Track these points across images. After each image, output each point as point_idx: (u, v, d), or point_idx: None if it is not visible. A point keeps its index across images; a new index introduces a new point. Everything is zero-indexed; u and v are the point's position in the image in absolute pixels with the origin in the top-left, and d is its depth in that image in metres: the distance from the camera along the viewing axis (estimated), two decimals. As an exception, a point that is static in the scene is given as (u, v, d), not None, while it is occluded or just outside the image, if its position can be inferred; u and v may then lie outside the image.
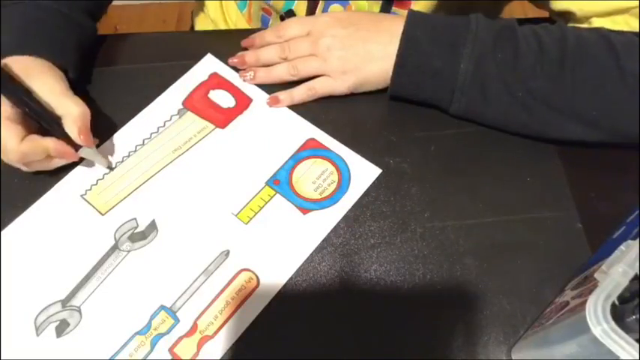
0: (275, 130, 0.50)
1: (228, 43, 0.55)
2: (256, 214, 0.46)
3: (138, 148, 0.49)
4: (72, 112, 0.44)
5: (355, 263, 0.44)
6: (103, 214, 0.45)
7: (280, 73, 0.51)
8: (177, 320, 0.42)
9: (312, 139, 0.50)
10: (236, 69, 0.53)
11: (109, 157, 0.48)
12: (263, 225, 0.46)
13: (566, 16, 0.51)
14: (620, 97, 0.44)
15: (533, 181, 0.48)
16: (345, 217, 0.46)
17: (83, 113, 0.45)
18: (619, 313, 0.29)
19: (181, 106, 0.51)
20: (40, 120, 0.44)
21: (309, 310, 0.42)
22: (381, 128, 0.51)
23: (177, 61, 0.54)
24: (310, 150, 0.49)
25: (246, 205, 0.46)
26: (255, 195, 0.47)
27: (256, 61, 0.52)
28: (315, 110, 0.51)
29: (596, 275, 0.31)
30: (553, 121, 0.46)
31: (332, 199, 0.47)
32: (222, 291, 0.43)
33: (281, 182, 0.47)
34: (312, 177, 0.48)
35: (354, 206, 0.47)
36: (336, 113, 0.52)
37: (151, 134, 0.49)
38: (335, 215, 0.46)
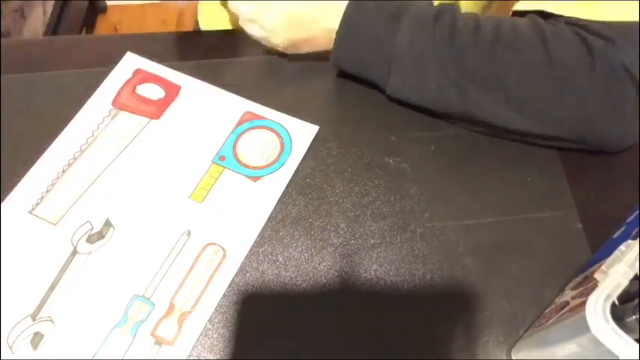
0: (210, 110, 0.52)
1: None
2: (209, 191, 0.47)
3: (77, 155, 0.49)
4: None
5: (355, 263, 0.44)
6: (55, 225, 0.46)
7: None
8: (152, 305, 0.42)
9: (248, 112, 0.52)
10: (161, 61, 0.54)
11: (50, 166, 0.48)
12: (218, 200, 0.47)
13: None
14: (547, 85, 0.44)
15: (533, 181, 0.48)
16: (345, 217, 0.46)
17: None
18: (619, 313, 0.29)
19: (111, 107, 0.52)
20: None
21: (309, 310, 0.42)
22: (381, 128, 0.51)
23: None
24: (248, 122, 0.51)
25: (197, 185, 0.48)
26: (204, 174, 0.48)
27: None
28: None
29: (596, 275, 0.31)
30: (483, 102, 0.46)
31: (278, 162, 0.49)
32: (191, 268, 0.44)
33: (226, 157, 0.49)
34: (255, 146, 0.50)
35: (353, 206, 0.47)
36: (337, 113, 0.52)
37: (87, 139, 0.50)
38: (284, 176, 0.48)
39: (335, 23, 0.48)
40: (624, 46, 0.42)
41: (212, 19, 0.73)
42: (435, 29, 0.45)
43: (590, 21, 0.44)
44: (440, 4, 0.47)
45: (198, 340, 0.41)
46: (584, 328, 0.29)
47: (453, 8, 0.47)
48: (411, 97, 0.49)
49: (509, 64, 0.44)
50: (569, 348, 0.32)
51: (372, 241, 0.45)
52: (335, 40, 0.48)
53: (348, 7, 0.47)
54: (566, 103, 0.44)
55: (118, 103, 0.52)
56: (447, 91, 0.46)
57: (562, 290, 0.42)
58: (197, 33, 0.56)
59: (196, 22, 0.79)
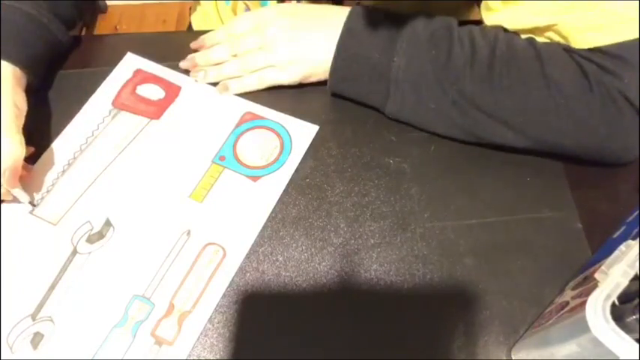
0: (210, 110, 0.52)
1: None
2: (209, 191, 0.47)
3: (77, 155, 0.49)
4: (3, 150, 0.43)
5: (355, 263, 0.44)
6: (55, 225, 0.46)
7: (231, 70, 0.52)
8: (152, 305, 0.42)
9: (248, 112, 0.52)
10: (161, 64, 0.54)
11: (50, 167, 0.48)
12: (218, 200, 0.47)
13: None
14: (544, 106, 0.44)
15: (533, 181, 0.48)
16: (345, 217, 0.46)
17: (15, 154, 0.43)
18: (619, 313, 0.29)
19: (111, 107, 0.52)
20: None
21: (309, 310, 0.42)
22: (381, 128, 0.51)
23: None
24: (248, 122, 0.51)
25: (197, 185, 0.48)
26: (204, 174, 0.48)
27: (206, 62, 0.53)
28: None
29: (596, 275, 0.31)
30: (484, 124, 0.46)
31: (278, 162, 0.49)
32: (191, 268, 0.44)
33: (226, 157, 0.49)
34: (256, 146, 0.50)
35: (353, 206, 0.47)
36: (337, 113, 0.52)
37: (87, 139, 0.50)
38: (284, 176, 0.48)
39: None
40: (617, 71, 0.42)
41: (205, 21, 0.73)
42: (431, 51, 0.45)
43: (580, 49, 0.44)
44: (433, 20, 0.47)
45: (198, 340, 0.41)
46: (584, 328, 0.29)
47: (450, 24, 0.47)
48: (411, 119, 0.49)
49: (508, 89, 0.44)
50: (569, 348, 0.32)
51: (372, 241, 0.45)
52: (331, 66, 0.48)
53: (341, 34, 0.47)
54: (565, 126, 0.44)
55: (118, 103, 0.52)
56: (447, 111, 0.46)
57: (562, 290, 0.42)
58: (197, 33, 0.56)
59: (189, 24, 0.79)
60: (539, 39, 0.47)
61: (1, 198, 0.45)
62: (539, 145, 0.46)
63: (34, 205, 0.46)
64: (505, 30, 0.48)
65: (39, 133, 0.50)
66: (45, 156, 0.49)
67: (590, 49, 0.44)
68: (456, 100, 0.45)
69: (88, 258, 0.44)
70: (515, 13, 0.46)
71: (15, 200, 0.46)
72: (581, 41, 0.44)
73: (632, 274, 0.30)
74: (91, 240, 0.45)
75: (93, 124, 0.51)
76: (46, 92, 0.53)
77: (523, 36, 0.48)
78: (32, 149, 0.48)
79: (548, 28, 0.45)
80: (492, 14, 0.49)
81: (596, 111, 0.43)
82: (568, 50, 0.45)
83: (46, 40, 0.50)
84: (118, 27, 1.57)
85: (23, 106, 0.47)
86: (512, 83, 0.44)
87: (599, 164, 0.47)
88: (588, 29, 0.43)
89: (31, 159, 0.48)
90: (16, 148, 0.43)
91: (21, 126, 0.45)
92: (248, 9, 0.64)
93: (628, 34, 0.42)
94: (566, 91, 0.43)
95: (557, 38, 0.46)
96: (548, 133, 0.45)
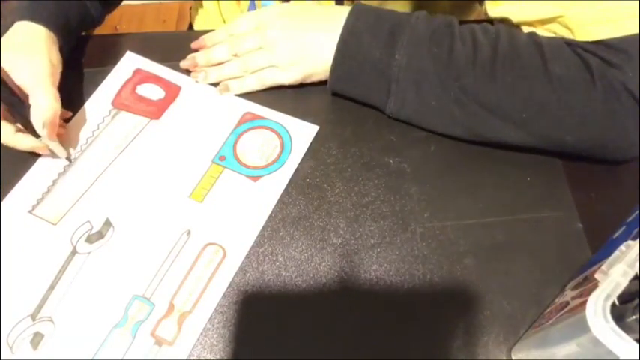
0: (210, 111, 0.52)
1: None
2: (209, 191, 0.47)
3: (77, 154, 0.49)
4: (42, 103, 0.45)
5: (355, 263, 0.44)
6: (55, 225, 0.46)
7: (232, 70, 0.53)
8: (152, 305, 0.42)
9: (248, 113, 0.52)
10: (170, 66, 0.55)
11: (50, 167, 0.48)
12: (218, 200, 0.47)
13: (503, 22, 0.51)
14: (547, 101, 0.43)
15: (533, 181, 0.48)
16: (345, 217, 0.46)
17: (53, 107, 0.45)
18: (619, 313, 0.29)
19: (111, 107, 0.52)
20: (6, 103, 0.44)
21: (309, 310, 0.42)
22: (381, 128, 0.51)
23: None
24: (248, 122, 0.51)
25: (197, 185, 0.48)
26: (204, 174, 0.48)
27: (207, 62, 0.54)
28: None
29: (596, 275, 0.31)
30: (486, 121, 0.46)
31: (278, 162, 0.49)
32: (191, 268, 0.44)
33: (226, 158, 0.49)
34: (256, 146, 0.50)
35: (353, 206, 0.47)
36: (337, 113, 0.52)
37: (87, 139, 0.50)
38: (284, 176, 0.48)
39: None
40: (621, 64, 0.42)
41: (207, 21, 0.73)
42: (433, 49, 0.45)
43: (584, 42, 0.44)
44: (434, 18, 0.47)
45: (198, 340, 0.41)
46: (584, 328, 0.29)
47: (451, 22, 0.47)
48: (412, 117, 0.49)
49: (511, 86, 0.44)
50: (569, 348, 0.32)
51: (372, 241, 0.45)
52: (331, 65, 0.48)
53: (342, 33, 0.47)
54: (567, 122, 0.44)
55: (118, 103, 0.52)
56: (449, 109, 0.46)
57: (562, 290, 0.42)
58: (198, 33, 0.56)
59: (189, 23, 0.79)
60: (543, 31, 0.47)
61: (39, 152, 0.47)
62: (541, 142, 0.46)
63: (70, 161, 0.48)
64: (509, 22, 0.48)
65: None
66: (44, 155, 0.49)
67: (594, 42, 0.43)
68: (458, 97, 0.45)
69: (88, 258, 0.44)
70: (521, 4, 0.46)
71: (52, 155, 0.47)
72: (586, 34, 0.44)
73: (632, 274, 0.30)
74: (90, 240, 0.45)
75: (93, 124, 0.51)
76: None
77: (526, 28, 0.47)
78: (70, 113, 0.50)
79: (553, 19, 0.45)
80: (497, 6, 0.49)
81: (599, 105, 0.43)
82: (571, 44, 0.45)
83: (79, 11, 0.53)
84: (118, 27, 1.57)
85: (58, 64, 0.49)
86: (514, 79, 0.44)
87: (599, 162, 0.47)
88: (593, 22, 0.43)
89: (31, 160, 0.48)
90: (52, 101, 0.45)
91: (57, 82, 0.47)
92: (254, 2, 0.63)
93: (633, 28, 0.42)
94: (569, 86, 0.43)
95: (561, 30, 0.46)
96: (550, 129, 0.45)
